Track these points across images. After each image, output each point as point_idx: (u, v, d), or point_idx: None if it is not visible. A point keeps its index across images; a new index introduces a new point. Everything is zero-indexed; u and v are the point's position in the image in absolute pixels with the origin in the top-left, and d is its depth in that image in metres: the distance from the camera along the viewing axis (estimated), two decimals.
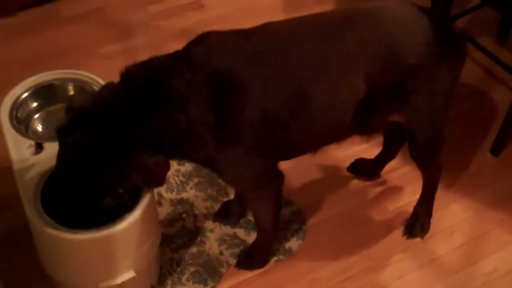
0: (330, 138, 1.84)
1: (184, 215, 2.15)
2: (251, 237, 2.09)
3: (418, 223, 2.13)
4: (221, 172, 1.77)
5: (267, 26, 1.71)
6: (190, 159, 1.74)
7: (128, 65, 1.61)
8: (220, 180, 2.14)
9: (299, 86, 1.65)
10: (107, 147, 1.53)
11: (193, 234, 2.10)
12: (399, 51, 1.69)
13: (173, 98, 1.57)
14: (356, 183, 2.30)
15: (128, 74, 1.60)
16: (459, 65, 1.82)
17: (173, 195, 2.20)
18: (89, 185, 1.56)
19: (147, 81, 1.58)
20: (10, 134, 1.80)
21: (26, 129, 1.87)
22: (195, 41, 1.65)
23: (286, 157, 1.83)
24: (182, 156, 1.70)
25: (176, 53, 1.64)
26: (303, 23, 1.72)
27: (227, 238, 2.10)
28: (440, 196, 2.18)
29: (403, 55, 1.70)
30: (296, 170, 2.04)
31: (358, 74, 1.68)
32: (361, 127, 1.83)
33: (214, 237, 2.10)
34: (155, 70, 1.60)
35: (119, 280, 1.71)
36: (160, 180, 1.62)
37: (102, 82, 1.88)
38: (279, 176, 1.82)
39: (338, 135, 1.83)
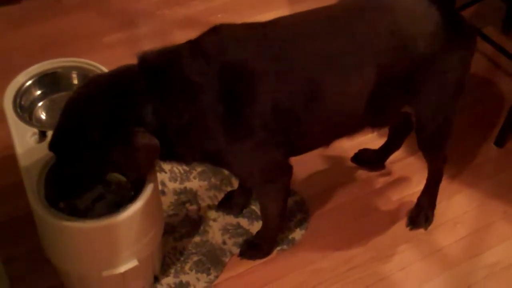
0: (343, 131, 1.83)
1: (187, 205, 2.15)
2: (254, 227, 2.09)
3: (421, 214, 2.13)
4: (231, 166, 1.77)
5: (278, 20, 1.71)
6: (196, 155, 1.71)
7: (146, 50, 1.62)
8: (223, 170, 2.13)
9: (311, 79, 1.64)
10: (100, 106, 1.53)
11: (196, 224, 2.10)
12: (410, 41, 1.68)
13: (185, 84, 1.57)
14: (360, 173, 2.29)
15: (145, 57, 1.60)
16: (469, 54, 1.81)
17: (177, 185, 2.20)
18: (72, 140, 1.54)
19: (162, 65, 1.59)
20: (14, 122, 1.80)
21: (30, 117, 1.87)
22: (208, 33, 1.65)
23: (298, 152, 1.83)
24: (188, 149, 1.67)
25: (191, 42, 1.64)
26: (313, 15, 1.72)
27: (230, 227, 2.10)
28: (444, 187, 2.17)
29: (414, 46, 1.69)
30: (300, 160, 2.02)
31: (370, 65, 1.67)
32: (373, 119, 1.82)
33: (217, 227, 2.10)
34: (170, 56, 1.60)
35: (122, 269, 1.71)
36: (143, 166, 1.59)
37: (106, 71, 1.88)
38: (289, 169, 1.82)
39: (351, 128, 1.83)
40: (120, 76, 1.60)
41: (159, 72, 1.58)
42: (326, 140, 1.85)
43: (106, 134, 1.52)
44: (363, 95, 1.71)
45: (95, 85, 1.60)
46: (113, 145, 1.53)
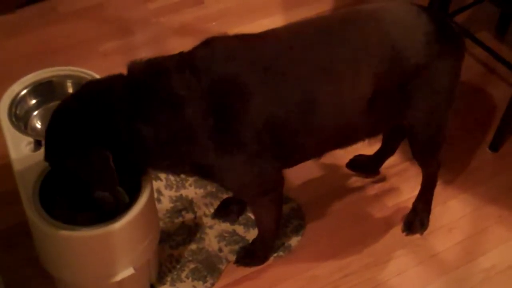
0: (338, 142, 1.84)
1: (183, 212, 2.15)
2: (250, 234, 2.09)
3: (417, 219, 2.13)
4: (221, 179, 1.75)
5: (271, 32, 1.71)
6: (185, 168, 1.71)
7: (136, 60, 1.62)
8: None
9: (305, 91, 1.64)
10: (74, 118, 1.57)
11: (192, 231, 2.11)
12: (401, 52, 1.69)
13: (169, 97, 1.57)
14: (355, 179, 2.30)
15: (133, 68, 1.61)
16: (459, 61, 1.82)
17: (173, 192, 2.20)
18: (47, 146, 1.62)
19: (146, 77, 1.59)
20: (9, 131, 1.80)
21: (25, 126, 1.87)
22: (200, 45, 1.65)
23: (292, 164, 1.83)
24: (174, 162, 1.67)
25: (181, 54, 1.64)
26: (306, 27, 1.73)
27: (226, 234, 2.10)
28: (439, 192, 2.18)
29: (405, 56, 1.70)
30: (296, 167, 2.04)
31: (364, 77, 1.67)
32: (367, 130, 1.82)
33: (213, 234, 2.10)
34: (157, 67, 1.60)
35: (118, 277, 1.71)
36: (102, 179, 1.60)
37: None
38: (281, 181, 1.82)
39: (346, 139, 1.83)
40: (105, 86, 1.61)
41: (144, 84, 1.58)
42: (320, 152, 1.86)
43: (70, 143, 1.57)
44: (358, 106, 1.71)
45: (80, 95, 1.62)
46: (69, 155, 1.57)
